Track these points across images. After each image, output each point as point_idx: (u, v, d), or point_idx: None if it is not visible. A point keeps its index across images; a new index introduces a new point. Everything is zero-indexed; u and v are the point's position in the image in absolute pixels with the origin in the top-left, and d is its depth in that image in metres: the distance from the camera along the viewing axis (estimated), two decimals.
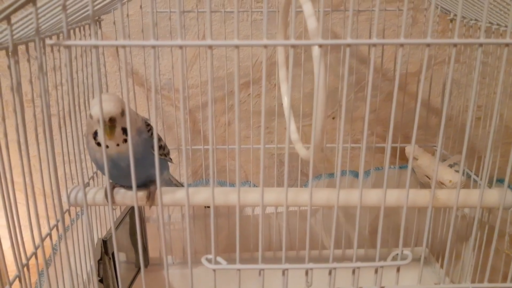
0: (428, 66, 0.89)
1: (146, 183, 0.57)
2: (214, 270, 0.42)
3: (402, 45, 0.35)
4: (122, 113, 0.51)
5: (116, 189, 0.58)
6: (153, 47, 0.36)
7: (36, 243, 0.50)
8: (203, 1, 0.83)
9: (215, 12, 0.83)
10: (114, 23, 0.72)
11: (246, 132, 0.91)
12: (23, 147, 0.43)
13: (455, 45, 0.36)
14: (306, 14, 0.39)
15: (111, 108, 0.49)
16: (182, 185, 0.70)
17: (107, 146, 0.51)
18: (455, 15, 0.72)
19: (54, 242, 0.56)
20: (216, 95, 0.89)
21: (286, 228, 0.43)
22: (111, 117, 0.49)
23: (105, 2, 0.54)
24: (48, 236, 0.54)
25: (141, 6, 0.75)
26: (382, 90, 0.88)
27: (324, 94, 0.38)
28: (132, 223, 0.77)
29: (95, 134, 0.52)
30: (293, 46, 0.35)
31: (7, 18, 0.36)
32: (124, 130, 0.52)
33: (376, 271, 0.44)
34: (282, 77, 0.65)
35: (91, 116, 0.50)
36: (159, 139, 0.61)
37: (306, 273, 0.43)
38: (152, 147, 0.56)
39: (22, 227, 0.46)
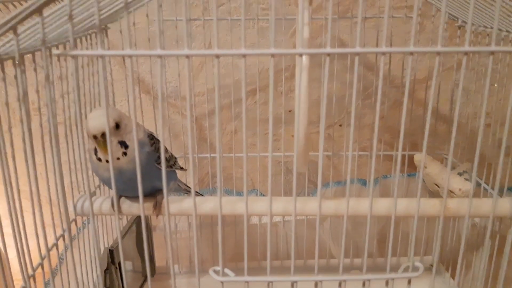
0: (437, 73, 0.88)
1: (152, 193, 0.56)
2: (222, 283, 0.41)
3: (412, 53, 0.34)
4: (117, 126, 0.50)
5: (122, 199, 0.57)
6: (160, 56, 0.35)
7: (43, 253, 0.49)
8: (209, 9, 0.83)
9: (221, 20, 0.83)
10: (120, 31, 0.72)
11: (253, 140, 0.91)
12: (29, 155, 0.42)
13: (466, 53, 0.35)
14: (300, 22, 0.38)
15: (102, 123, 0.47)
16: (191, 189, 0.69)
17: (106, 161, 0.51)
18: (463, 21, 0.71)
19: (60, 252, 0.56)
20: (223, 103, 0.89)
21: (294, 238, 0.42)
22: (103, 132, 0.48)
23: (111, 11, 0.54)
24: (55, 246, 0.53)
25: (147, 15, 0.76)
26: (390, 97, 0.88)
27: (306, 103, 0.38)
28: (139, 232, 0.76)
29: (95, 150, 0.52)
30: (301, 55, 0.34)
31: (14, 28, 0.36)
32: (122, 143, 0.51)
33: (386, 283, 0.43)
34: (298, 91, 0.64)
35: (87, 133, 0.50)
36: (165, 151, 0.61)
37: (316, 285, 0.43)
38: (156, 160, 0.55)
39: (28, 236, 0.46)
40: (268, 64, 0.95)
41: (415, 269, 0.42)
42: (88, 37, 0.62)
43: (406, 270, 0.42)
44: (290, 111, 0.90)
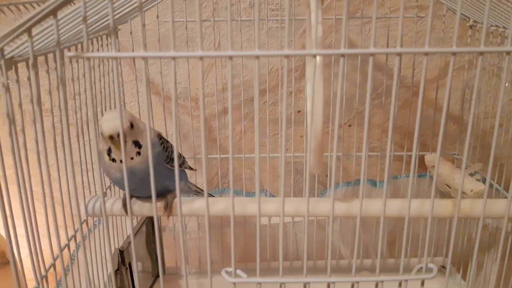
0: (447, 73, 0.87)
1: (163, 193, 0.56)
2: (234, 284, 0.41)
3: (427, 54, 0.34)
4: (131, 126, 0.51)
5: (133, 199, 0.57)
6: (173, 58, 0.35)
7: (55, 254, 0.50)
8: (219, 10, 0.83)
9: (231, 21, 0.83)
10: (130, 33, 0.72)
11: (262, 140, 0.91)
12: (42, 156, 0.43)
13: (481, 53, 0.35)
14: (314, 22, 0.38)
15: (119, 123, 0.48)
16: (201, 190, 0.69)
17: (121, 161, 0.51)
18: (475, 21, 0.71)
19: (71, 252, 0.56)
20: (232, 103, 0.89)
21: (305, 239, 0.42)
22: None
23: (123, 13, 0.54)
24: (66, 247, 0.54)
25: (157, 16, 0.76)
26: (399, 97, 0.87)
27: (321, 104, 0.38)
28: (148, 232, 0.77)
29: (109, 151, 0.52)
30: (315, 56, 0.34)
31: (28, 31, 0.36)
32: (136, 143, 0.52)
33: (399, 285, 0.43)
34: (309, 90, 0.64)
35: (102, 134, 0.50)
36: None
37: (328, 286, 0.43)
38: (165, 160, 0.56)
39: (40, 236, 0.46)
40: (278, 64, 0.94)
41: (429, 270, 0.42)
42: (99, 38, 0.62)
43: (419, 271, 0.42)
44: (299, 111, 0.90)
